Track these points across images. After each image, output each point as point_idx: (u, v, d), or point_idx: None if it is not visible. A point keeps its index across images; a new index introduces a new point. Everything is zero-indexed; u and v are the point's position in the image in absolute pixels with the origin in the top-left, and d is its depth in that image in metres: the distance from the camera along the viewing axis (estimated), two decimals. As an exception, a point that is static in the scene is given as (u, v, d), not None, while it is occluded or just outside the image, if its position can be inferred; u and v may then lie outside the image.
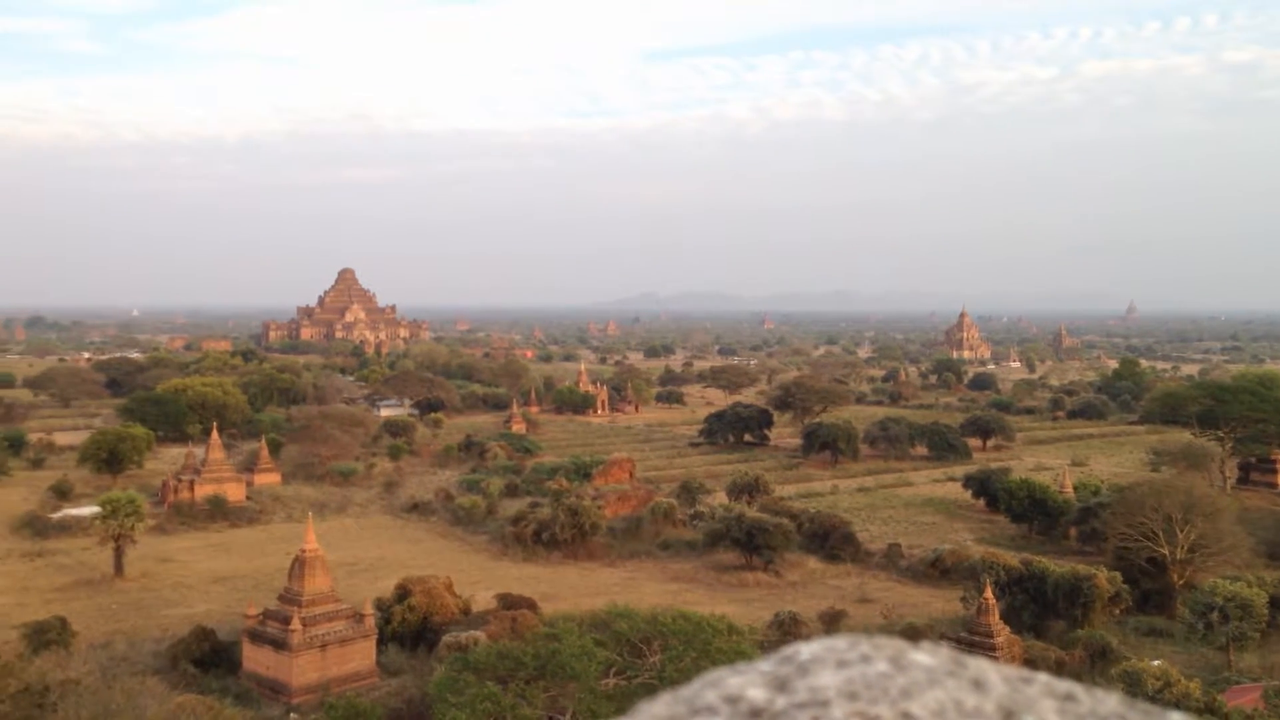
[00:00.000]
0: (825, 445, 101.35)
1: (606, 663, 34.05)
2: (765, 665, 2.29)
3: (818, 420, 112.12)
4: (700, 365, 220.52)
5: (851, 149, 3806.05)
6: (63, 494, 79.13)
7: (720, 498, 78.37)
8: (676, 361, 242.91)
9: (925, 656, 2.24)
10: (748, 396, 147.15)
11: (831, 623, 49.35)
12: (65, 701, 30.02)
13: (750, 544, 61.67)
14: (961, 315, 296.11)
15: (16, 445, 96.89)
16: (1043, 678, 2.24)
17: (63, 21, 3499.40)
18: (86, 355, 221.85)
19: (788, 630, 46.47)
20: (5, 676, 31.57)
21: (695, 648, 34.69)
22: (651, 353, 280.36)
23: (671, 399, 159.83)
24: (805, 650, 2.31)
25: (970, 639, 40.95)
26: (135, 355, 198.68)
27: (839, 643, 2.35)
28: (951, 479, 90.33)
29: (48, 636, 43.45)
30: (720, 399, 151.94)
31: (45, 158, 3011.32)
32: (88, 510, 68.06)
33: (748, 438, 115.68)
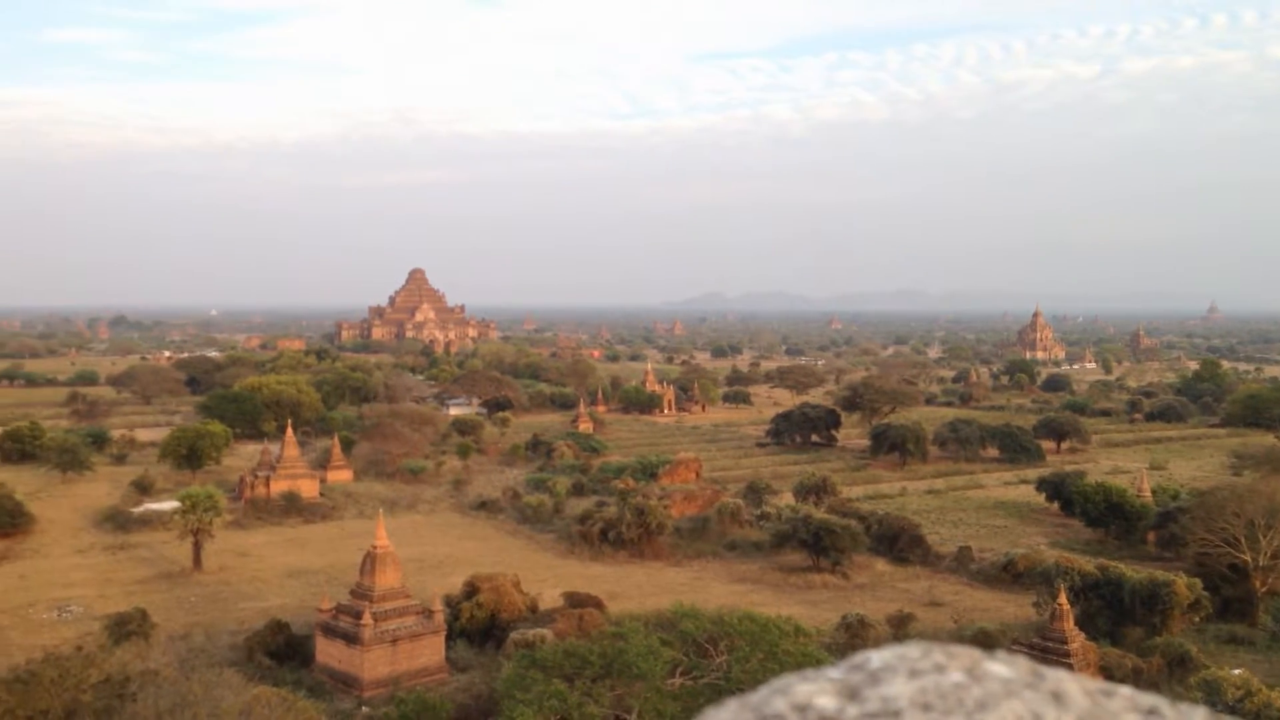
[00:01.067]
0: (894, 446, 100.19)
1: (672, 662, 34.03)
2: (835, 672, 2.25)
3: (886, 421, 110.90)
4: (767, 365, 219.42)
5: (898, 147, 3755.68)
6: (144, 489, 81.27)
7: (787, 498, 77.87)
8: (743, 361, 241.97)
9: (1002, 667, 2.18)
10: (815, 397, 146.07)
11: (900, 626, 48.74)
12: (145, 692, 30.75)
13: (817, 545, 61.16)
14: (1035, 315, 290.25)
15: (100, 441, 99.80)
16: (1125, 691, 2.16)
17: (114, 31, 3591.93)
18: (167, 354, 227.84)
19: (855, 633, 46.01)
20: (88, 667, 32.48)
21: (762, 649, 34.52)
22: (718, 353, 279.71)
23: (738, 399, 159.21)
24: (876, 658, 2.27)
25: (1044, 645, 40.18)
26: (214, 354, 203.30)
27: (912, 650, 2.30)
28: (1024, 482, 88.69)
29: (129, 628, 44.64)
30: (787, 399, 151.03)
31: (117, 164, 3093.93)
32: (168, 505, 69.80)
33: (815, 438, 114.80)
